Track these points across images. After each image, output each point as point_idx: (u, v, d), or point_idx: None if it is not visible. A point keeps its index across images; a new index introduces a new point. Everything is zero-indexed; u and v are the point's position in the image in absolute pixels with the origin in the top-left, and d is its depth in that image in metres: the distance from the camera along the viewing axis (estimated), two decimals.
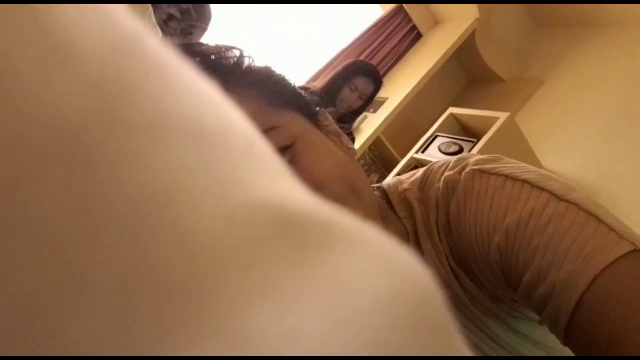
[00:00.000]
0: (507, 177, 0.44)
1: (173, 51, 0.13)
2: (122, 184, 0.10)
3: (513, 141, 1.96)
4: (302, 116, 0.48)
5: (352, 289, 0.11)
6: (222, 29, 2.70)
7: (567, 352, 0.45)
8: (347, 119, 2.31)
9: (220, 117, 0.13)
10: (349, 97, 2.23)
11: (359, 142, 2.42)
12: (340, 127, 0.54)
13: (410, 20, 3.02)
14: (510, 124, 1.93)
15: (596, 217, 0.39)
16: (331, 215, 0.13)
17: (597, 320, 0.35)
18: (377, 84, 2.30)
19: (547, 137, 2.32)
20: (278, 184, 0.13)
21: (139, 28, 0.12)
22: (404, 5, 2.94)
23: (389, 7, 3.01)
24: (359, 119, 2.55)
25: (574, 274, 0.36)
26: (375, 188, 0.56)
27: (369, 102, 2.32)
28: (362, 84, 2.24)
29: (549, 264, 0.38)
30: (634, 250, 0.36)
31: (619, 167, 1.96)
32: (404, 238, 0.50)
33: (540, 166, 2.10)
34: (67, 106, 0.09)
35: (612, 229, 0.38)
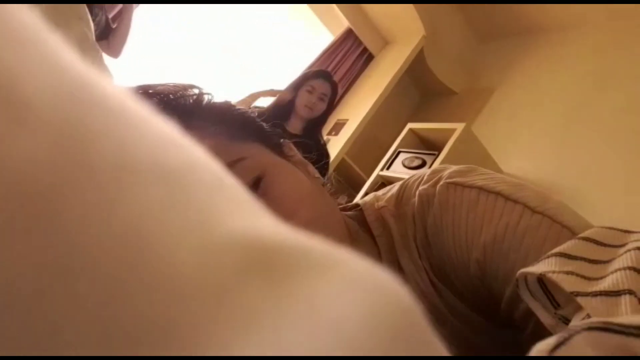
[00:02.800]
0: (480, 189, 0.43)
1: (129, 93, 0.13)
2: (91, 233, 0.09)
3: (472, 150, 2.03)
4: (267, 148, 0.48)
5: (329, 315, 0.11)
6: (161, 59, 2.70)
7: None
8: (315, 131, 2.26)
9: (184, 155, 0.13)
10: (309, 99, 2.18)
11: None
12: (306, 157, 0.54)
13: (360, 43, 3.10)
14: (467, 133, 1.99)
15: (569, 229, 0.38)
16: (303, 243, 0.13)
17: None
18: (333, 84, 2.27)
19: (503, 142, 2.41)
20: (248, 216, 0.13)
21: (92, 73, 0.12)
22: (353, 28, 3.03)
23: (339, 31, 3.09)
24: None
25: None
26: (352, 206, 0.56)
27: (331, 104, 2.29)
28: (318, 84, 2.21)
29: None
30: None
31: (574, 165, 2.05)
32: (375, 257, 0.49)
33: (500, 171, 2.16)
34: (26, 161, 0.09)
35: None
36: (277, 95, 2.24)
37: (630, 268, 0.31)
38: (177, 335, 0.09)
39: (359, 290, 0.12)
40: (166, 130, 0.13)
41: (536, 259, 0.37)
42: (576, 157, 2.07)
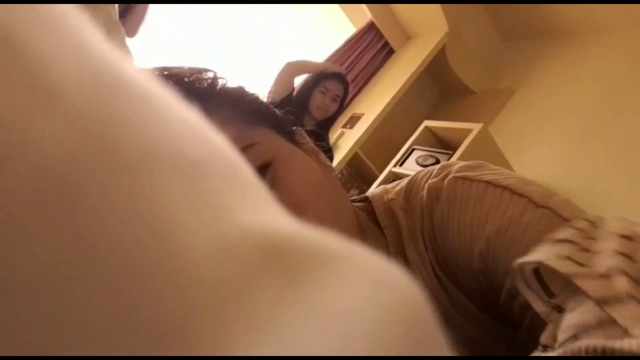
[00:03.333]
0: (488, 183, 0.44)
1: (152, 77, 0.13)
2: (113, 222, 0.09)
3: (487, 151, 2.00)
4: (279, 134, 0.48)
5: (344, 313, 0.11)
6: (192, 51, 2.71)
7: None
8: (325, 130, 2.29)
9: (203, 145, 0.13)
10: (322, 101, 2.20)
11: (337, 158, 2.44)
12: (318, 144, 0.54)
13: (382, 36, 3.07)
14: (484, 134, 1.97)
15: (570, 222, 0.39)
16: (317, 239, 0.13)
17: None
18: (346, 85, 2.29)
19: (520, 146, 2.38)
20: (263, 211, 0.13)
21: (117, 57, 0.12)
22: (375, 21, 3.00)
23: (361, 24, 3.07)
24: (336, 134, 2.57)
25: None
26: (361, 198, 0.57)
27: (342, 104, 2.31)
28: (332, 85, 2.23)
29: None
30: None
31: (592, 172, 2.02)
32: (384, 249, 0.50)
33: None
34: (52, 148, 0.09)
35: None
36: (294, 90, 2.24)
37: (618, 252, 0.32)
38: (194, 334, 0.10)
39: (373, 286, 0.12)
40: (188, 117, 0.13)
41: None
42: (592, 166, 2.03)
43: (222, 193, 0.12)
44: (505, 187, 0.43)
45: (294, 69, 2.23)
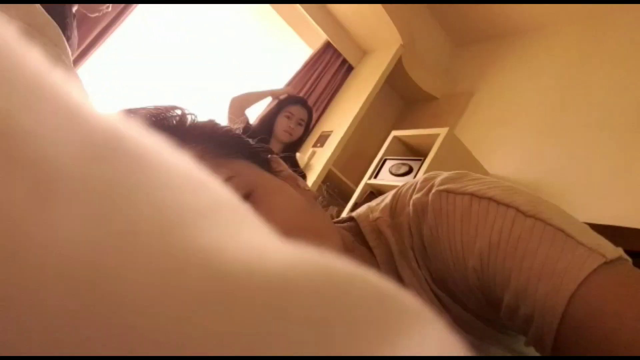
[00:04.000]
0: (472, 195, 0.43)
1: (147, 135, 0.13)
2: (147, 313, 0.09)
3: (457, 153, 2.05)
4: (254, 164, 0.48)
5: None
6: (147, 83, 2.69)
7: None
8: (293, 158, 2.31)
9: (211, 194, 0.13)
10: (287, 124, 2.24)
11: (312, 178, 2.45)
12: (295, 170, 0.53)
13: (339, 54, 3.13)
14: (451, 137, 2.02)
15: (563, 231, 0.38)
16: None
17: (580, 339, 0.35)
18: (309, 109, 2.34)
19: (486, 144, 2.44)
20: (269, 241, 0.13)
21: (112, 120, 0.12)
22: (331, 40, 3.06)
23: (318, 44, 3.12)
24: (308, 154, 2.58)
25: (550, 294, 0.36)
26: (346, 219, 0.56)
27: (307, 128, 2.34)
28: (296, 110, 2.28)
29: (525, 286, 0.38)
30: (605, 263, 0.36)
31: (557, 160, 2.08)
32: (374, 269, 0.49)
33: (486, 172, 2.19)
34: (67, 244, 0.09)
35: (579, 243, 0.38)
36: (258, 117, 2.27)
37: None
38: None
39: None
40: (188, 168, 0.13)
41: (531, 264, 0.38)
42: (558, 154, 2.10)
43: (238, 232, 0.12)
44: (490, 199, 0.42)
45: (241, 101, 2.29)
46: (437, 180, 0.47)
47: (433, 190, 0.46)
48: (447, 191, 0.45)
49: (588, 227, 0.40)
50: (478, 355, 0.47)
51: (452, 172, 0.48)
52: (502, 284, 0.40)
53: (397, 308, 0.12)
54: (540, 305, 0.37)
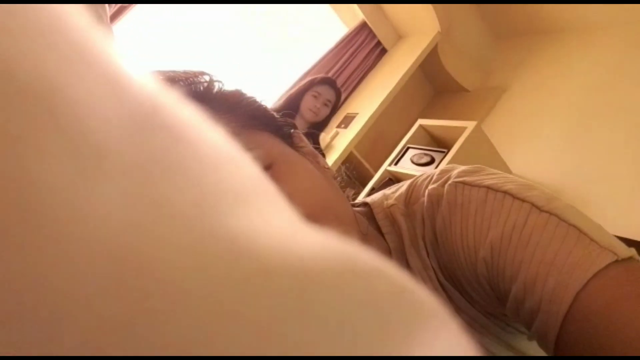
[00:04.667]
0: (488, 188, 0.43)
1: (184, 104, 0.13)
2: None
3: (482, 149, 2.01)
4: (277, 138, 0.48)
5: None
6: (186, 56, 2.70)
7: None
8: (315, 136, 2.31)
9: (247, 174, 0.13)
10: (314, 104, 2.24)
11: (332, 158, 2.44)
12: (316, 148, 0.54)
13: (374, 36, 3.08)
14: (477, 132, 1.98)
15: (576, 227, 0.39)
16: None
17: (584, 335, 0.35)
18: (337, 91, 2.32)
19: (513, 142, 2.39)
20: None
21: (151, 88, 0.12)
22: (367, 21, 3.01)
23: (353, 24, 3.08)
24: (331, 134, 2.58)
25: (558, 288, 0.36)
26: (360, 204, 0.56)
27: (334, 110, 2.33)
28: (323, 90, 2.27)
29: (534, 279, 0.38)
30: (616, 261, 0.36)
31: (584, 167, 2.03)
32: (386, 254, 0.49)
33: (509, 171, 2.15)
34: (108, 221, 0.09)
35: (592, 240, 0.38)
36: (286, 94, 2.27)
37: None
38: None
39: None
40: (223, 144, 0.13)
41: (542, 258, 0.38)
42: (586, 160, 2.05)
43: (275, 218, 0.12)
44: (506, 192, 0.42)
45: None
46: (454, 172, 0.48)
47: (449, 182, 0.46)
48: (464, 183, 0.45)
49: (602, 227, 0.40)
50: (485, 355, 0.47)
51: (470, 165, 0.48)
52: (510, 276, 0.40)
53: (415, 305, 0.12)
54: (547, 299, 0.37)
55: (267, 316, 0.10)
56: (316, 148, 0.54)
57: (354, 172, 2.79)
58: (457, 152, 1.91)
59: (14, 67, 0.09)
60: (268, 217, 0.12)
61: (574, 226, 0.39)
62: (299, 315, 0.10)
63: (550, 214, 0.40)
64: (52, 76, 0.09)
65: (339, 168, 2.63)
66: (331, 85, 2.31)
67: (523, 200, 0.41)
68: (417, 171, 2.02)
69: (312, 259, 0.11)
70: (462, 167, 0.48)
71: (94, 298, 0.08)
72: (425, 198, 0.48)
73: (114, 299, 0.08)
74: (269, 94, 2.82)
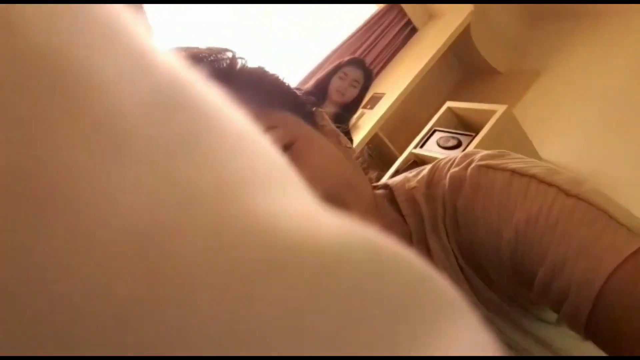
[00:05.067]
0: (513, 172, 0.43)
1: (207, 84, 0.13)
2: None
3: (511, 134, 1.96)
4: (299, 116, 0.48)
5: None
6: (212, 29, 2.70)
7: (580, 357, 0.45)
8: (345, 117, 2.31)
9: (264, 157, 0.13)
10: (340, 85, 2.23)
11: (357, 139, 2.42)
12: (337, 126, 0.53)
13: (405, 15, 3.01)
14: (508, 116, 1.93)
15: (605, 211, 0.38)
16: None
17: (616, 318, 0.35)
18: (366, 71, 2.30)
19: (544, 128, 2.32)
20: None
21: (175, 66, 0.11)
22: None
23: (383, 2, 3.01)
24: (356, 115, 2.55)
25: (588, 273, 0.36)
26: (381, 185, 0.56)
27: (363, 91, 2.32)
28: (351, 71, 2.26)
29: (562, 263, 0.38)
30: None
31: (616, 157, 1.96)
32: (407, 237, 0.49)
33: (538, 157, 2.10)
34: (133, 206, 0.09)
35: (621, 224, 0.37)
36: (314, 79, 2.28)
37: None
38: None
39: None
40: (245, 126, 0.13)
41: (570, 242, 0.38)
42: (620, 150, 1.97)
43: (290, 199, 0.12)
44: (531, 176, 0.42)
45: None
46: (477, 156, 0.47)
47: (473, 165, 0.46)
48: (488, 166, 0.45)
49: (630, 211, 0.39)
50: (501, 342, 0.46)
51: (493, 150, 0.48)
52: (537, 258, 0.40)
53: (435, 294, 0.12)
54: (577, 283, 0.37)
55: (284, 300, 0.10)
56: (345, 130, 0.54)
57: (378, 154, 2.77)
58: (486, 136, 1.86)
59: (36, 43, 0.09)
60: (288, 200, 0.12)
61: (603, 210, 0.38)
62: (315, 302, 0.10)
63: (578, 198, 0.39)
64: (75, 52, 0.09)
65: (363, 149, 2.61)
66: (359, 66, 2.30)
67: (549, 184, 0.41)
68: (443, 154, 1.99)
69: (332, 244, 0.11)
70: (485, 152, 0.48)
71: (115, 280, 0.08)
72: (447, 181, 0.48)
73: (136, 281, 0.08)
74: (296, 74, 2.81)
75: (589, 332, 0.38)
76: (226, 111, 0.12)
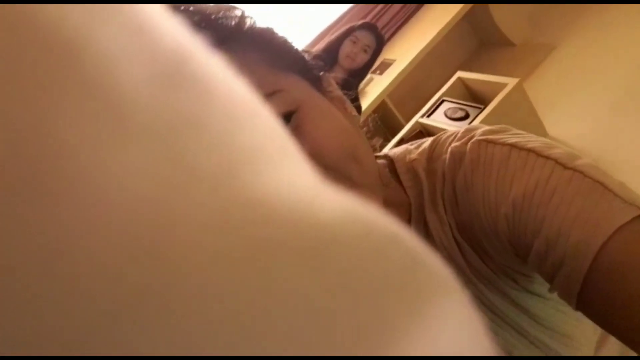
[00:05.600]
0: (512, 146, 0.44)
1: (211, 54, 0.12)
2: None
3: (520, 108, 1.94)
4: (306, 81, 0.47)
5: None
6: None
7: (567, 332, 0.46)
8: (354, 83, 2.27)
9: (268, 132, 0.13)
10: (351, 50, 2.19)
11: (364, 104, 2.40)
12: (345, 93, 0.53)
13: None
14: (518, 90, 1.90)
15: (601, 183, 0.39)
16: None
17: (609, 287, 0.36)
18: (379, 36, 2.25)
19: (554, 104, 2.29)
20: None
21: (181, 40, 0.11)
22: None
23: None
24: (365, 80, 2.51)
25: (582, 242, 0.37)
26: (382, 156, 0.56)
27: (374, 57, 2.27)
28: (363, 36, 2.21)
29: (557, 233, 0.38)
30: None
31: (626, 138, 1.94)
32: (406, 207, 0.50)
33: (546, 134, 2.08)
34: (136, 188, 0.09)
35: (616, 195, 0.38)
36: (325, 42, 2.22)
37: None
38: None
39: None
40: (248, 99, 0.13)
41: (565, 213, 0.38)
42: (630, 132, 1.95)
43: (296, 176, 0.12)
44: (530, 150, 0.43)
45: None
46: (479, 131, 0.48)
47: (473, 140, 0.47)
48: (487, 141, 0.46)
49: (625, 184, 0.40)
50: (487, 308, 0.48)
51: (495, 125, 0.48)
52: (533, 231, 0.40)
53: (427, 276, 0.12)
54: (571, 253, 0.38)
55: (284, 278, 0.10)
56: (353, 97, 0.54)
57: (384, 121, 2.74)
58: (494, 109, 1.84)
59: (36, 15, 0.08)
60: (290, 177, 0.12)
61: (599, 182, 0.39)
62: (312, 278, 0.10)
63: (575, 170, 0.40)
64: (77, 26, 0.09)
65: (369, 116, 2.59)
66: (371, 30, 2.24)
67: (547, 158, 0.42)
68: (450, 125, 1.97)
69: (332, 222, 0.11)
70: (487, 127, 0.48)
71: (122, 264, 0.08)
72: (448, 155, 0.48)
73: (143, 265, 0.08)
74: (304, 37, 2.75)
75: (581, 301, 0.38)
76: (230, 85, 0.12)
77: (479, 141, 0.46)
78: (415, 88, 2.78)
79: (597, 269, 0.36)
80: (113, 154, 0.09)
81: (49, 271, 0.08)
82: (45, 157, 0.08)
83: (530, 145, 0.43)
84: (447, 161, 0.48)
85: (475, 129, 0.49)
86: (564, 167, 0.40)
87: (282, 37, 0.48)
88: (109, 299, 0.08)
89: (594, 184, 0.39)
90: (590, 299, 0.38)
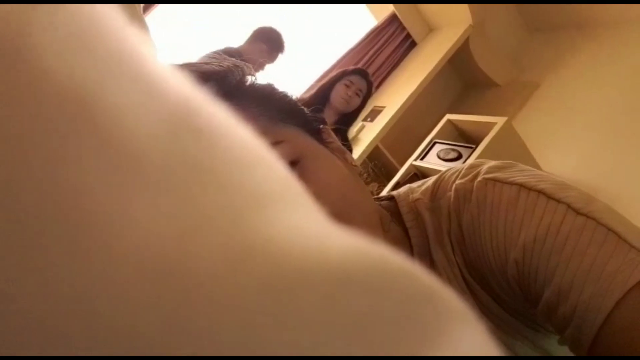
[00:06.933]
0: (521, 186, 0.42)
1: (216, 104, 0.13)
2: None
3: (511, 145, 1.97)
4: (306, 133, 0.48)
5: None
6: (215, 37, 2.72)
7: None
8: (349, 121, 2.32)
9: (275, 177, 0.13)
10: (346, 92, 2.24)
11: (358, 151, 2.43)
12: (344, 144, 0.53)
13: (404, 28, 3.04)
14: (507, 128, 1.94)
15: (615, 233, 0.37)
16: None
17: (622, 344, 0.34)
18: (369, 82, 2.33)
19: (544, 140, 2.33)
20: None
21: (187, 91, 0.12)
22: (397, 13, 2.97)
23: (383, 16, 3.04)
24: (357, 127, 2.56)
25: (595, 296, 0.35)
26: (385, 197, 0.56)
27: (365, 101, 2.34)
28: (356, 80, 2.28)
29: (569, 285, 0.37)
30: None
31: (617, 168, 1.96)
32: (407, 250, 0.49)
33: (539, 169, 2.09)
34: (155, 238, 0.09)
35: (632, 246, 0.36)
36: (316, 85, 2.29)
37: None
38: None
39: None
40: (255, 146, 0.13)
41: (579, 264, 0.36)
42: (621, 162, 1.98)
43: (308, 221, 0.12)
44: (540, 191, 0.40)
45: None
46: (484, 167, 0.46)
47: (479, 178, 0.45)
48: (495, 180, 0.44)
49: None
50: (509, 355, 0.46)
51: (500, 161, 0.46)
52: (544, 280, 0.38)
53: (443, 307, 0.12)
54: (583, 307, 0.36)
55: (302, 319, 0.10)
56: (345, 144, 0.54)
57: (379, 166, 2.77)
58: (486, 148, 1.87)
59: (50, 70, 0.09)
60: (300, 220, 0.12)
61: (613, 231, 0.37)
62: (326, 320, 0.10)
63: (588, 217, 0.38)
64: (89, 80, 0.09)
65: (365, 162, 2.61)
66: (363, 76, 2.32)
67: (559, 201, 0.39)
68: (443, 167, 1.99)
69: (345, 262, 0.11)
70: (493, 162, 0.46)
71: (135, 312, 0.08)
72: (452, 193, 0.47)
73: (156, 312, 0.08)
74: (298, 86, 2.82)
75: (591, 354, 0.37)
76: (236, 131, 0.12)
77: (486, 180, 0.44)
78: (406, 132, 2.83)
79: (611, 327, 0.35)
80: (125, 202, 0.09)
81: (78, 310, 0.08)
82: (65, 210, 0.08)
83: (540, 186, 0.41)
84: (452, 199, 0.47)
85: (480, 165, 0.47)
86: (577, 212, 0.38)
87: (282, 92, 0.50)
88: (120, 344, 0.08)
89: (607, 232, 0.37)
90: (602, 354, 0.36)
